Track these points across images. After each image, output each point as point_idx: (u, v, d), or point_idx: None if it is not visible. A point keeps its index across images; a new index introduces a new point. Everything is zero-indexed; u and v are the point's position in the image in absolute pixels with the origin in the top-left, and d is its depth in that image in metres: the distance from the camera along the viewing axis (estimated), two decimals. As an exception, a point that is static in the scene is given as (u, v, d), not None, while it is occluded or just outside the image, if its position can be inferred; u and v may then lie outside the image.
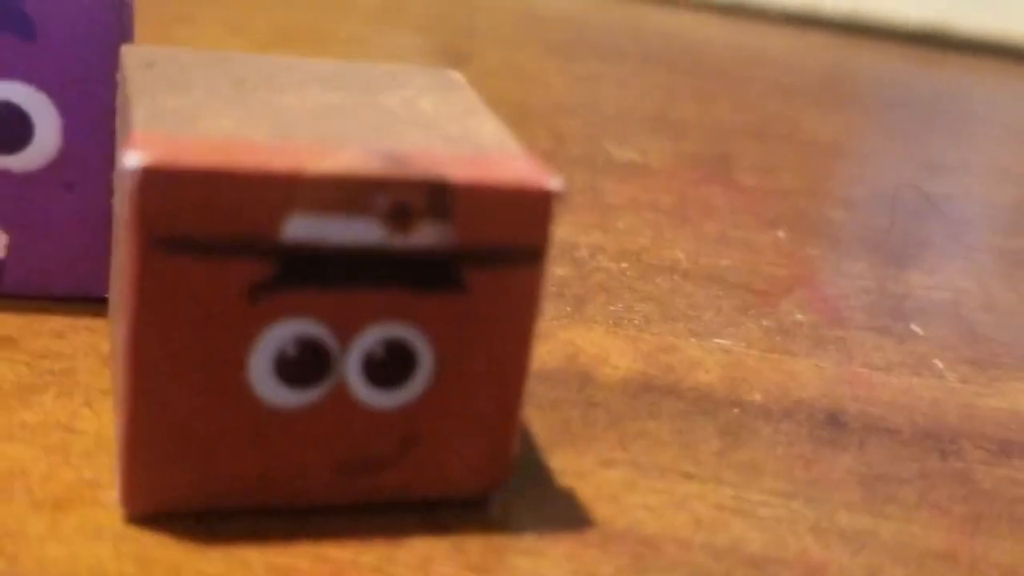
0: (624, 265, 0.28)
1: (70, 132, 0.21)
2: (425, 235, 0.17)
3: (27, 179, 0.22)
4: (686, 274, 0.28)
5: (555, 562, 0.18)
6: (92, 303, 0.23)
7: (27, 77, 0.21)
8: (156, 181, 0.16)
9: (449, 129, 0.19)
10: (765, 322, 0.26)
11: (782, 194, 0.34)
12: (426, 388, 0.18)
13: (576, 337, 0.24)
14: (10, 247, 0.22)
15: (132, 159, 0.16)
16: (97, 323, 0.22)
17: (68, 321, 0.22)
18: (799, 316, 0.27)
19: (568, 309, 0.26)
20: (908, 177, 0.37)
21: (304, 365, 0.17)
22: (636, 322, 0.25)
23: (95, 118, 0.21)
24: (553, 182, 0.18)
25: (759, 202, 0.33)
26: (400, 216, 0.17)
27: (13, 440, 0.19)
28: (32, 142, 0.21)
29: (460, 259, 0.17)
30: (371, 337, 0.18)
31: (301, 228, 0.17)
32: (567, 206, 0.30)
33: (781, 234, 0.31)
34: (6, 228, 0.22)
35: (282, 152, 0.17)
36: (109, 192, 0.22)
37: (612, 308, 0.26)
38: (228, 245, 0.16)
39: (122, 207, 0.16)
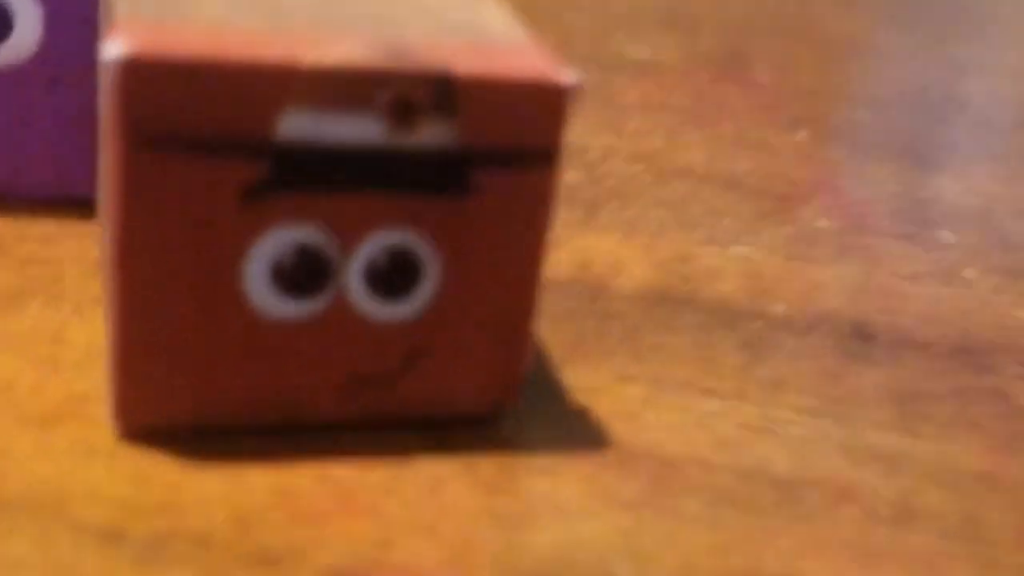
0: (638, 169, 0.27)
1: (52, 24, 0.20)
2: (430, 133, 0.16)
3: (7, 75, 0.20)
4: (702, 178, 0.27)
5: (571, 483, 0.17)
6: (80, 206, 0.21)
7: (5, -35, 0.20)
8: (140, 73, 0.15)
9: (454, 17, 0.17)
10: (786, 229, 0.25)
11: (801, 94, 0.33)
12: (432, 299, 0.17)
13: (588, 245, 0.23)
14: (-9, 147, 0.21)
15: (114, 49, 0.15)
16: (86, 228, 0.21)
17: (56, 226, 0.21)
18: (822, 223, 0.26)
19: (579, 215, 0.24)
20: (932, 77, 0.36)
21: (302, 274, 0.16)
22: (651, 229, 0.24)
23: (79, 9, 0.20)
24: (567, 77, 0.16)
25: (777, 102, 0.32)
26: (403, 112, 0.16)
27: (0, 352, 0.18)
28: (11, 35, 0.20)
29: (467, 160, 0.16)
30: (373, 244, 0.16)
31: (297, 125, 0.15)
32: (579, 106, 0.29)
33: (801, 136, 0.30)
34: (-14, 127, 0.21)
35: (276, 41, 0.15)
36: (95, 89, 0.20)
37: (625, 214, 0.25)
38: (219, 143, 0.15)
39: (105, 102, 0.15)
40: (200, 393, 0.17)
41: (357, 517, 0.16)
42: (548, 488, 0.17)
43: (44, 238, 0.21)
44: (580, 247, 0.23)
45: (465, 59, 0.16)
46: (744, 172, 0.27)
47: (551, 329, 0.21)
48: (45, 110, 0.21)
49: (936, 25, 0.43)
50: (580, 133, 0.28)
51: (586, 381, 0.19)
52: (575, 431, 0.18)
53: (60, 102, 0.21)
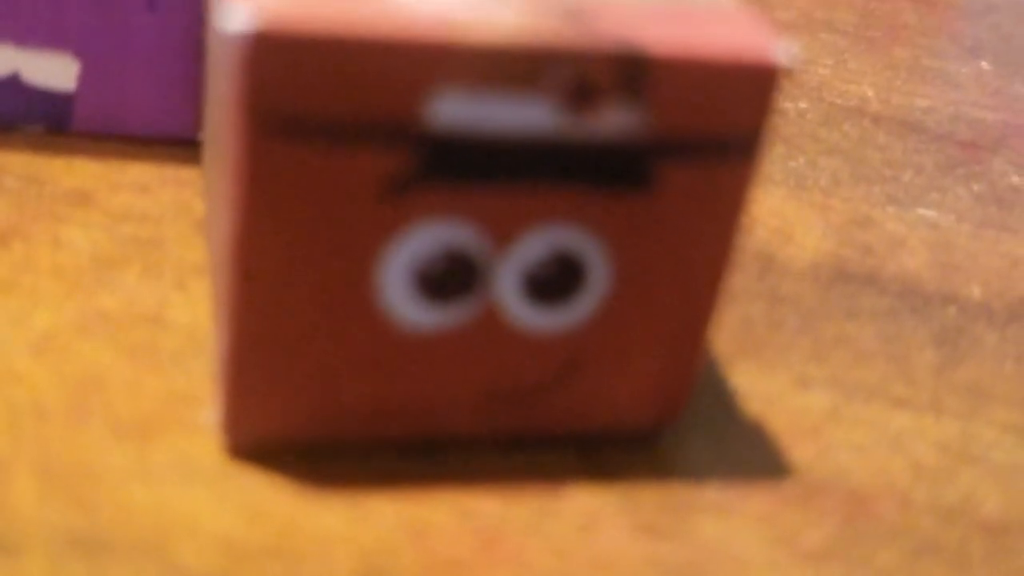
0: (803, 105, 0.23)
1: (153, -60, 0.17)
2: (609, 120, 0.13)
3: (101, -5, 0.18)
4: (877, 118, 0.24)
5: (747, 525, 0.15)
6: (181, 148, 0.19)
7: None
8: (271, 49, 0.12)
9: (639, -34, 0.14)
10: (975, 186, 0.22)
11: (982, 10, 0.29)
12: (597, 306, 0.14)
13: (752, 204, 0.20)
14: (82, 77, 0.18)
15: (238, 19, 0.12)
16: (187, 173, 0.19)
17: (152, 170, 0.18)
18: (1015, 178, 0.22)
19: (741, 162, 0.21)
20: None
21: (448, 278, 0.14)
22: (822, 183, 0.21)
23: (183, -77, 0.17)
24: (780, 52, 0.13)
25: (955, 21, 0.28)
26: (580, 96, 0.13)
27: (90, 336, 0.16)
28: (107, -49, 0.17)
29: (652, 150, 0.13)
30: (533, 244, 0.14)
31: (451, 110, 0.13)
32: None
33: (985, 65, 0.26)
34: (77, 54, 0.18)
35: (430, 12, 0.12)
36: (198, 12, 0.18)
37: (793, 164, 0.22)
38: (360, 130, 0.12)
39: (226, 78, 0.12)
40: (321, 406, 0.14)
41: (502, 566, 0.14)
42: (720, 532, 0.15)
43: (140, 187, 0.18)
44: (743, 206, 0.20)
45: (658, 30, 0.13)
46: (923, 111, 0.24)
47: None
48: (142, 36, 0.18)
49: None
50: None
51: (759, 384, 0.17)
52: (747, 453, 0.16)
53: (159, 27, 0.18)
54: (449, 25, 0.12)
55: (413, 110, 0.12)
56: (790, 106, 0.23)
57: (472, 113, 0.13)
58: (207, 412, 0.15)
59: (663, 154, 0.13)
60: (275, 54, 0.12)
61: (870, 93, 0.24)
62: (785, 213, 0.20)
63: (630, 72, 0.13)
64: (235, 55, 0.12)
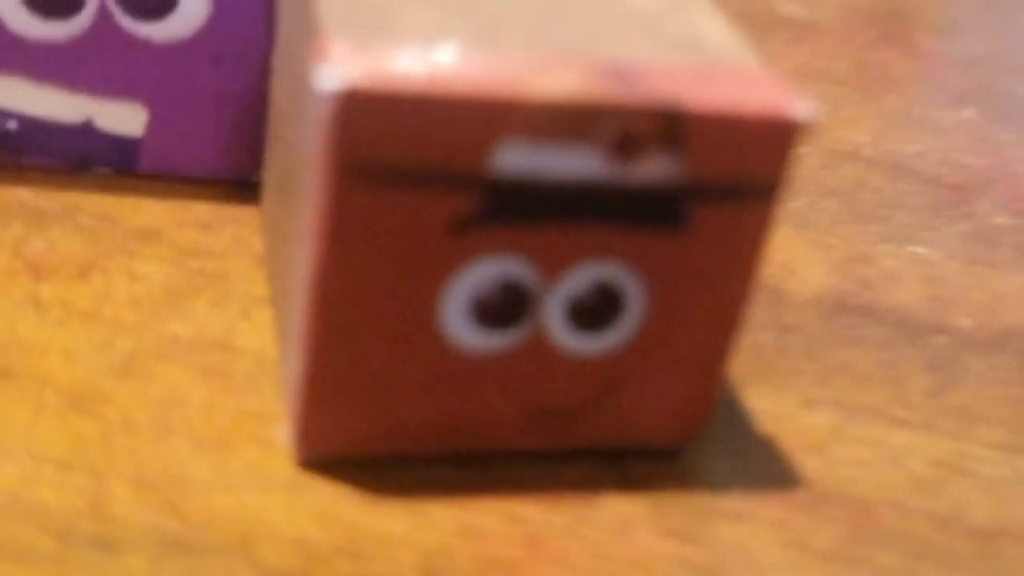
0: (805, 150, 0.25)
1: (219, 0, 0.19)
2: (651, 167, 0.15)
3: (170, 50, 0.19)
4: (871, 162, 0.25)
5: (764, 529, 0.16)
6: (238, 188, 0.20)
7: (173, -65, 0.18)
8: (356, 106, 0.13)
9: (674, 30, 0.16)
10: (963, 225, 0.24)
11: (967, 61, 0.31)
12: (632, 333, 0.16)
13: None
14: (150, 124, 0.20)
15: (329, 79, 0.13)
16: (246, 212, 0.20)
17: (214, 210, 0.20)
18: (1000, 219, 0.24)
19: (747, 203, 0.23)
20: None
21: (503, 307, 0.15)
22: (823, 223, 0.23)
23: (248, -15, 0.19)
24: (801, 109, 0.15)
25: (942, 71, 0.30)
26: (627, 146, 0.15)
27: (167, 360, 0.17)
28: (177, 9, 0.19)
29: (686, 195, 0.15)
30: (578, 277, 0.15)
31: (512, 158, 0.14)
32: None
33: (970, 113, 0.28)
34: (146, 103, 0.20)
35: (495, 69, 0.14)
36: (260, 67, 0.19)
37: (795, 205, 0.23)
38: (431, 176, 0.14)
39: (314, 130, 0.14)
40: (385, 423, 0.16)
41: (547, 564, 0.15)
42: (741, 536, 0.16)
43: (203, 225, 0.20)
44: (750, 243, 0.22)
45: (694, 89, 0.15)
46: (913, 155, 0.26)
47: (728, 341, 0.20)
48: (207, 87, 0.19)
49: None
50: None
51: (769, 405, 0.18)
52: (762, 465, 0.17)
53: (223, 80, 0.19)
54: (512, 84, 0.14)
55: (479, 159, 0.14)
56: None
57: (530, 162, 0.14)
58: (278, 428, 0.16)
59: (695, 198, 0.15)
60: (361, 110, 0.14)
61: (864, 139, 0.26)
62: (789, 249, 0.22)
63: (669, 126, 0.15)
64: (324, 110, 0.14)
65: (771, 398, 0.19)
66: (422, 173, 0.14)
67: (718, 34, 0.16)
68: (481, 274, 0.15)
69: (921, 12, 0.34)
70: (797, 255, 0.22)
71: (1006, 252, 0.23)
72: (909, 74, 0.30)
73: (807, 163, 0.25)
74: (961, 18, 0.34)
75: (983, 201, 0.25)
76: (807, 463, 0.18)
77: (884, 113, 0.27)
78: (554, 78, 0.14)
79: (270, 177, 0.18)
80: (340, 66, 0.14)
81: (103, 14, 0.19)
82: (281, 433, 0.16)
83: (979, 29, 0.33)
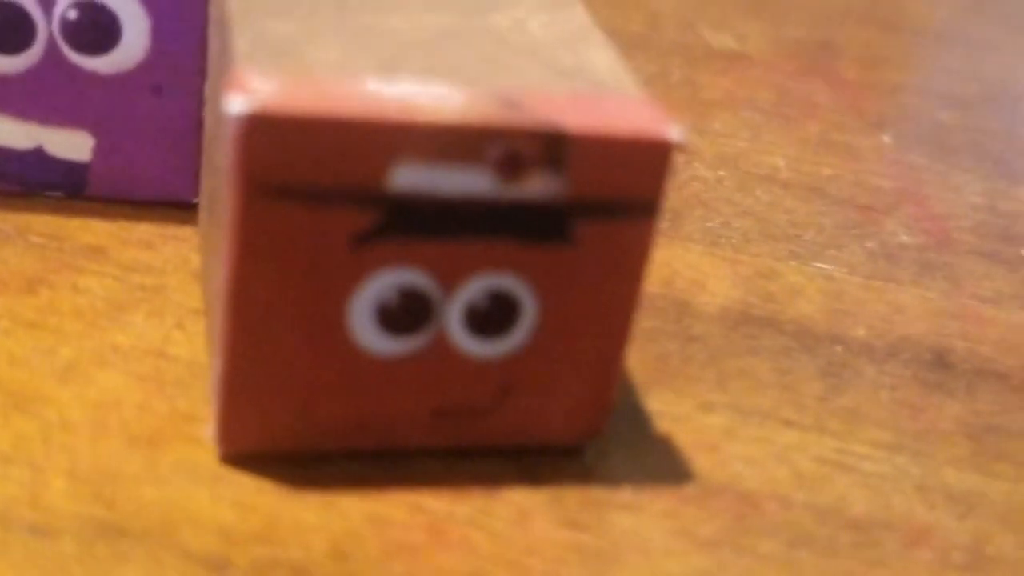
0: (721, 174, 0.27)
1: (158, 35, 0.20)
2: (537, 186, 0.16)
3: (114, 81, 0.21)
4: (786, 185, 0.27)
5: (654, 519, 0.18)
6: (179, 209, 0.22)
7: (115, -24, 0.20)
8: (263, 128, 0.15)
9: (562, 59, 0.18)
10: (869, 244, 0.25)
11: (887, 90, 0.32)
12: (528, 338, 0.17)
13: (673, 258, 0.24)
14: (96, 150, 0.21)
15: (237, 103, 0.15)
16: (185, 231, 0.22)
17: (156, 229, 0.22)
18: (904, 237, 0.26)
19: (664, 225, 0.25)
20: (1021, 74, 0.36)
21: (405, 314, 0.17)
22: (734, 241, 0.25)
23: (185, 21, 0.20)
24: (674, 132, 0.16)
25: (863, 99, 0.32)
26: (513, 166, 0.16)
27: (106, 366, 0.19)
28: (120, 44, 0.20)
29: (571, 211, 0.17)
30: (475, 287, 0.17)
31: (408, 177, 0.16)
32: (666, 101, 0.29)
33: (886, 139, 0.30)
34: (92, 131, 0.21)
35: (391, 96, 0.16)
36: (197, 96, 0.21)
37: (709, 224, 0.25)
38: (333, 193, 0.16)
39: (226, 151, 0.16)
40: (301, 422, 0.17)
41: (449, 550, 0.17)
42: (630, 524, 0.18)
43: (146, 243, 0.21)
44: (665, 260, 0.24)
45: (576, 113, 0.16)
46: (828, 179, 0.27)
47: (635, 348, 0.21)
48: (148, 116, 0.21)
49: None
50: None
51: (669, 408, 0.20)
52: (657, 462, 0.19)
53: (163, 108, 0.21)
54: (407, 108, 0.15)
55: (377, 177, 0.16)
56: (710, 174, 0.27)
57: (425, 180, 0.16)
58: (205, 428, 0.18)
59: (580, 213, 0.17)
60: (265, 132, 0.15)
61: (781, 163, 0.28)
62: (701, 266, 0.24)
63: (552, 147, 0.16)
64: (232, 132, 0.15)
65: (671, 401, 0.20)
66: (325, 191, 0.16)
67: (605, 64, 0.18)
68: (383, 284, 0.16)
69: (846, 46, 0.35)
70: (707, 271, 0.23)
71: (908, 268, 0.25)
72: (831, 103, 0.31)
73: (724, 185, 0.26)
74: (885, 51, 0.36)
75: (890, 221, 0.26)
76: (700, 460, 0.19)
77: (803, 139, 0.29)
78: (445, 103, 0.16)
79: (203, 198, 0.20)
80: (248, 92, 0.15)
81: (52, 49, 0.20)
82: (207, 432, 0.18)
83: (901, 61, 0.35)
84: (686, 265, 0.23)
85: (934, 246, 0.26)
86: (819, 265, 0.24)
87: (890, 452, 0.20)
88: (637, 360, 0.21)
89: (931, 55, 0.36)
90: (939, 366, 0.22)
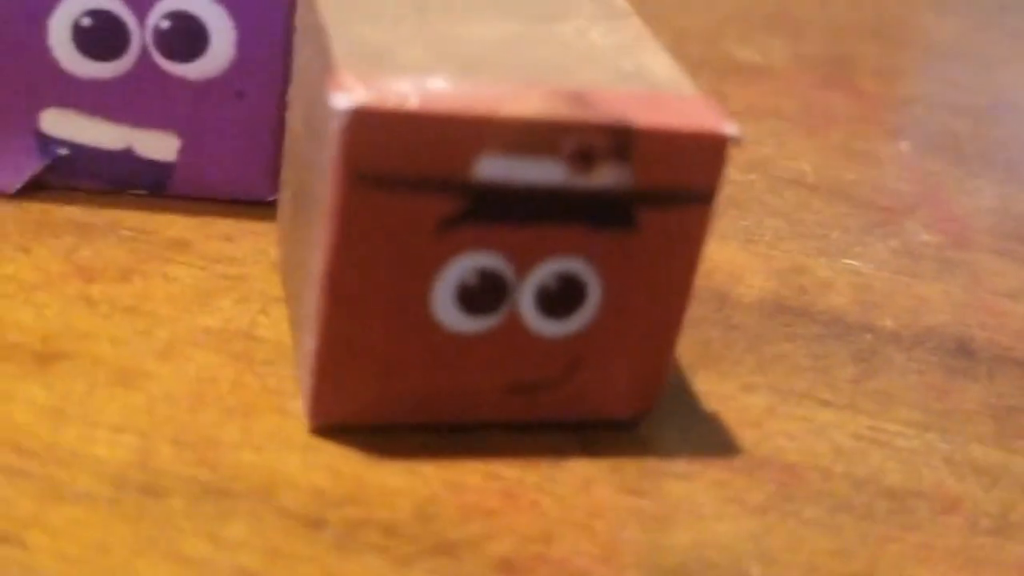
0: (752, 177, 0.28)
1: (244, 44, 0.22)
2: (605, 176, 0.18)
3: (200, 87, 0.22)
4: (812, 188, 0.29)
5: (706, 487, 0.19)
6: (257, 207, 0.24)
7: (205, -11, 0.22)
8: (363, 122, 0.17)
9: (623, 64, 0.19)
10: (892, 242, 0.27)
11: (903, 102, 0.34)
12: (592, 318, 0.19)
13: (711, 253, 0.25)
14: (181, 151, 0.23)
15: (341, 100, 0.17)
16: (263, 227, 0.23)
17: (236, 224, 0.23)
18: (925, 237, 0.27)
19: (701, 222, 0.26)
20: (1026, 85, 0.37)
21: (484, 295, 0.18)
22: (767, 238, 0.26)
23: (269, 32, 0.22)
24: (730, 127, 0.18)
25: (881, 110, 0.33)
26: (584, 158, 0.18)
27: (199, 346, 0.20)
28: (208, 52, 0.22)
29: (636, 200, 0.18)
30: (546, 270, 0.18)
31: (491, 168, 0.17)
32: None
33: (904, 146, 0.31)
34: (179, 133, 0.23)
35: (476, 94, 0.17)
36: (277, 101, 0.23)
37: (743, 223, 0.27)
38: (423, 182, 0.17)
39: (327, 144, 0.17)
40: (386, 395, 0.19)
41: (521, 513, 0.18)
42: (685, 492, 0.19)
43: (226, 237, 0.23)
44: (705, 254, 0.25)
45: (640, 110, 0.18)
46: (850, 182, 0.29)
47: (682, 335, 0.23)
48: (231, 119, 0.23)
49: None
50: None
51: (714, 388, 0.21)
52: (706, 437, 0.20)
53: (244, 113, 0.23)
54: (489, 105, 0.17)
55: (463, 168, 0.17)
56: (741, 178, 0.28)
57: (505, 171, 0.17)
58: (295, 402, 0.19)
59: (644, 202, 0.18)
60: (365, 126, 0.17)
61: (807, 168, 0.29)
62: (737, 261, 0.25)
63: (620, 140, 0.18)
64: (336, 126, 0.17)
65: (716, 382, 0.22)
66: (416, 180, 0.17)
67: (663, 68, 0.19)
68: (465, 266, 0.18)
69: (864, 60, 0.37)
70: (743, 265, 0.25)
71: (929, 264, 0.26)
72: (850, 113, 0.33)
73: (755, 187, 0.28)
74: (900, 65, 0.37)
75: (910, 222, 0.28)
76: (745, 435, 0.21)
77: (826, 146, 0.31)
78: (524, 101, 0.17)
79: (285, 195, 0.21)
80: (349, 91, 0.17)
81: (144, 56, 0.22)
82: (297, 405, 0.19)
83: (915, 74, 0.37)
84: (724, 259, 0.25)
85: (953, 245, 0.27)
86: (847, 261, 0.26)
87: (920, 430, 0.21)
88: (683, 345, 0.22)
89: (942, 69, 0.38)
90: (962, 353, 0.24)
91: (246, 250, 0.23)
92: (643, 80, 0.19)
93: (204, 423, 0.19)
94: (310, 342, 0.18)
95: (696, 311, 0.23)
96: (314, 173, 0.18)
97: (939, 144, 0.32)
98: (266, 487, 0.18)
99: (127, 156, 0.23)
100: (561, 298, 0.19)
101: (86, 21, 0.21)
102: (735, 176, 0.28)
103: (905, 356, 0.23)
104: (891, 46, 0.39)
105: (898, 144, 0.31)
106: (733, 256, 0.25)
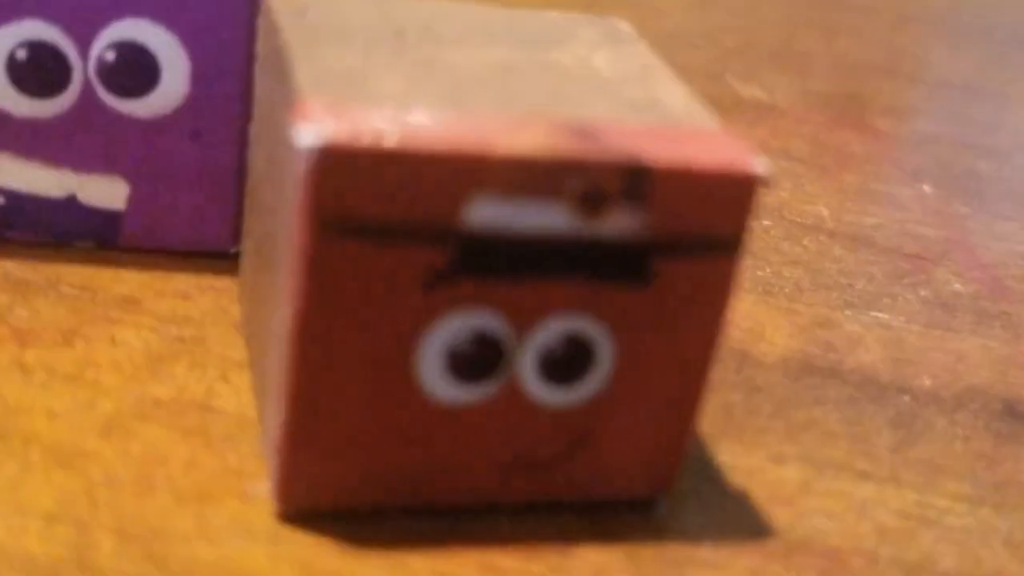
0: (767, 223, 0.26)
1: (199, 78, 0.20)
2: (617, 222, 0.15)
3: (151, 126, 0.20)
4: (832, 234, 0.26)
5: (737, 577, 0.17)
6: (217, 259, 0.21)
7: (156, 16, 0.19)
8: (333, 162, 0.14)
9: (633, 94, 0.17)
10: (922, 292, 0.24)
11: (921, 141, 0.32)
12: (602, 385, 0.16)
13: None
14: (131, 198, 0.20)
15: (306, 136, 0.14)
16: (224, 282, 0.21)
17: (193, 280, 0.21)
18: (957, 286, 0.25)
19: (713, 273, 0.24)
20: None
21: (478, 360, 0.16)
22: (787, 290, 0.24)
23: (227, 63, 0.20)
24: (759, 165, 0.16)
25: (897, 150, 0.31)
26: (593, 201, 0.15)
27: (148, 420, 0.17)
28: (159, 87, 0.20)
29: (652, 249, 0.16)
30: (550, 331, 0.16)
31: (485, 213, 0.15)
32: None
33: (926, 188, 0.29)
34: (128, 178, 0.20)
35: (465, 128, 0.15)
36: (238, 142, 0.20)
37: (760, 273, 0.24)
38: (405, 230, 0.15)
39: (291, 186, 0.15)
40: (364, 476, 0.16)
41: (524, 612, 0.16)
42: (714, 583, 0.17)
43: (182, 294, 0.20)
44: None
45: (656, 146, 0.15)
46: (872, 227, 0.27)
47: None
48: (186, 162, 0.20)
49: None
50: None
51: (741, 461, 0.19)
52: (734, 517, 0.18)
53: (202, 154, 0.20)
54: (481, 141, 0.15)
55: (451, 214, 0.15)
56: (755, 224, 0.26)
57: (501, 217, 0.15)
58: (259, 484, 0.17)
59: (661, 251, 0.16)
60: (336, 166, 0.14)
61: (825, 212, 0.27)
62: (756, 316, 0.23)
63: (633, 181, 0.15)
64: (300, 166, 0.14)
65: (741, 454, 0.19)
66: (396, 228, 0.15)
67: (678, 99, 0.17)
68: (455, 328, 0.16)
69: (875, 97, 0.35)
70: (763, 320, 0.23)
71: (964, 317, 0.24)
72: (865, 153, 0.31)
73: (771, 235, 0.26)
74: (913, 102, 0.35)
75: (940, 270, 0.25)
76: (777, 514, 0.18)
77: (843, 189, 0.28)
78: (521, 136, 0.15)
79: (248, 245, 0.19)
80: (317, 124, 0.14)
81: (87, 92, 0.19)
82: (261, 488, 0.17)
83: (931, 112, 0.35)
84: (741, 315, 0.23)
85: (988, 294, 0.25)
86: (875, 314, 0.23)
87: (972, 505, 0.19)
88: (703, 410, 0.20)
89: (959, 107, 0.36)
90: (1010, 416, 0.21)
91: (204, 309, 0.20)
92: (657, 112, 0.16)
93: (152, 511, 0.16)
94: (276, 414, 0.16)
95: (715, 372, 0.21)
96: (279, 221, 0.16)
97: (963, 186, 0.30)
98: (224, 588, 0.15)
99: (70, 204, 0.20)
100: (567, 363, 0.16)
101: (22, 54, 0.19)
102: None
103: (947, 420, 0.21)
104: (903, 83, 0.36)
105: (920, 186, 0.29)
106: (751, 310, 0.23)
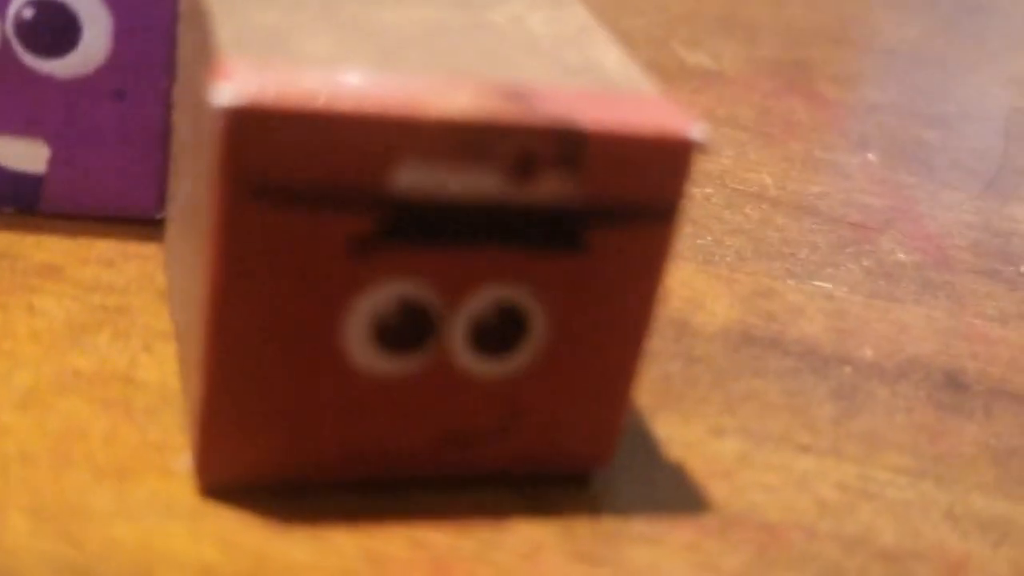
0: (708, 191, 0.26)
1: (121, 35, 0.19)
2: (549, 188, 0.15)
3: (72, 86, 0.19)
4: (775, 203, 0.26)
5: (674, 552, 0.16)
6: (142, 225, 0.20)
7: (76, -29, 0.18)
8: (253, 122, 0.14)
9: (568, 57, 0.16)
10: (866, 262, 0.24)
11: (868, 109, 0.32)
12: (536, 356, 0.16)
13: (667, 275, 0.22)
14: (52, 161, 0.20)
15: (223, 94, 0.13)
16: (149, 249, 0.20)
17: (117, 247, 0.20)
18: (901, 255, 0.25)
19: (655, 241, 0.23)
20: (996, 93, 0.35)
21: (406, 330, 0.15)
22: (728, 259, 0.23)
23: (151, 20, 0.19)
24: (696, 130, 0.15)
25: (844, 118, 0.31)
26: (524, 166, 0.15)
27: (68, 392, 0.17)
28: (79, 45, 0.19)
29: (585, 216, 0.15)
30: (481, 300, 0.15)
31: (412, 177, 0.14)
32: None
33: (871, 157, 0.29)
34: (47, 140, 0.19)
35: (393, 89, 0.14)
36: (163, 102, 0.19)
37: (701, 242, 0.24)
38: (329, 195, 0.14)
39: (209, 147, 0.14)
40: (289, 450, 0.16)
41: (454, 589, 0.15)
42: (650, 558, 0.16)
43: (106, 261, 0.19)
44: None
45: (591, 110, 0.15)
46: (816, 196, 0.26)
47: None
48: (109, 124, 0.19)
49: (996, 36, 0.41)
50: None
51: (678, 433, 0.19)
52: (671, 491, 0.17)
53: (125, 115, 0.19)
54: (409, 103, 0.14)
55: (378, 178, 0.14)
56: (697, 191, 0.25)
57: (430, 181, 0.14)
58: (181, 458, 0.16)
59: (595, 219, 0.15)
60: (254, 126, 0.14)
61: (768, 180, 0.27)
62: (696, 285, 0.22)
63: (566, 145, 0.15)
64: (218, 126, 0.14)
65: (679, 426, 0.19)
66: (320, 192, 0.14)
67: (615, 63, 0.17)
68: (382, 296, 0.15)
69: (823, 64, 0.35)
70: (704, 290, 0.22)
71: (908, 287, 0.24)
72: (812, 121, 0.30)
73: (712, 203, 0.25)
74: (862, 70, 0.35)
75: (884, 239, 0.25)
76: (715, 488, 0.18)
77: (787, 157, 0.28)
78: (451, 98, 0.14)
79: (173, 211, 0.18)
80: (237, 83, 0.14)
81: (5, 52, 0.19)
82: (184, 462, 0.16)
83: (878, 80, 0.34)
84: (680, 283, 0.22)
85: (932, 264, 0.25)
86: (817, 284, 0.23)
87: (913, 478, 0.19)
88: (640, 382, 0.19)
89: (906, 75, 0.35)
90: (953, 387, 0.21)
91: (129, 277, 0.19)
92: (592, 76, 0.16)
93: (69, 488, 0.15)
94: (197, 386, 0.15)
95: (652, 342, 0.20)
96: (200, 185, 0.15)
97: (909, 155, 0.30)
98: (142, 566, 0.15)
99: (-12, 168, 0.20)
100: (499, 333, 0.16)
101: (-66, 9, 0.18)
102: (690, 188, 0.26)
103: (890, 391, 0.20)
104: (851, 50, 0.36)
105: (865, 154, 0.29)
106: (690, 279, 0.22)
